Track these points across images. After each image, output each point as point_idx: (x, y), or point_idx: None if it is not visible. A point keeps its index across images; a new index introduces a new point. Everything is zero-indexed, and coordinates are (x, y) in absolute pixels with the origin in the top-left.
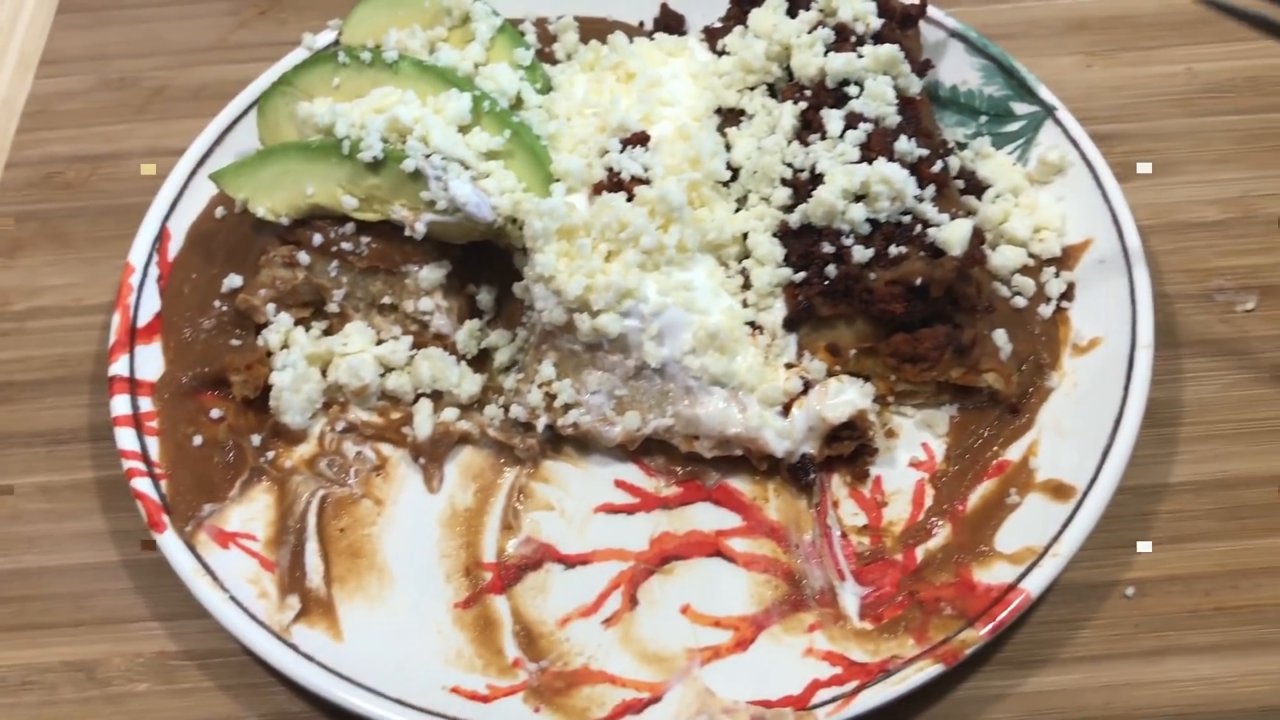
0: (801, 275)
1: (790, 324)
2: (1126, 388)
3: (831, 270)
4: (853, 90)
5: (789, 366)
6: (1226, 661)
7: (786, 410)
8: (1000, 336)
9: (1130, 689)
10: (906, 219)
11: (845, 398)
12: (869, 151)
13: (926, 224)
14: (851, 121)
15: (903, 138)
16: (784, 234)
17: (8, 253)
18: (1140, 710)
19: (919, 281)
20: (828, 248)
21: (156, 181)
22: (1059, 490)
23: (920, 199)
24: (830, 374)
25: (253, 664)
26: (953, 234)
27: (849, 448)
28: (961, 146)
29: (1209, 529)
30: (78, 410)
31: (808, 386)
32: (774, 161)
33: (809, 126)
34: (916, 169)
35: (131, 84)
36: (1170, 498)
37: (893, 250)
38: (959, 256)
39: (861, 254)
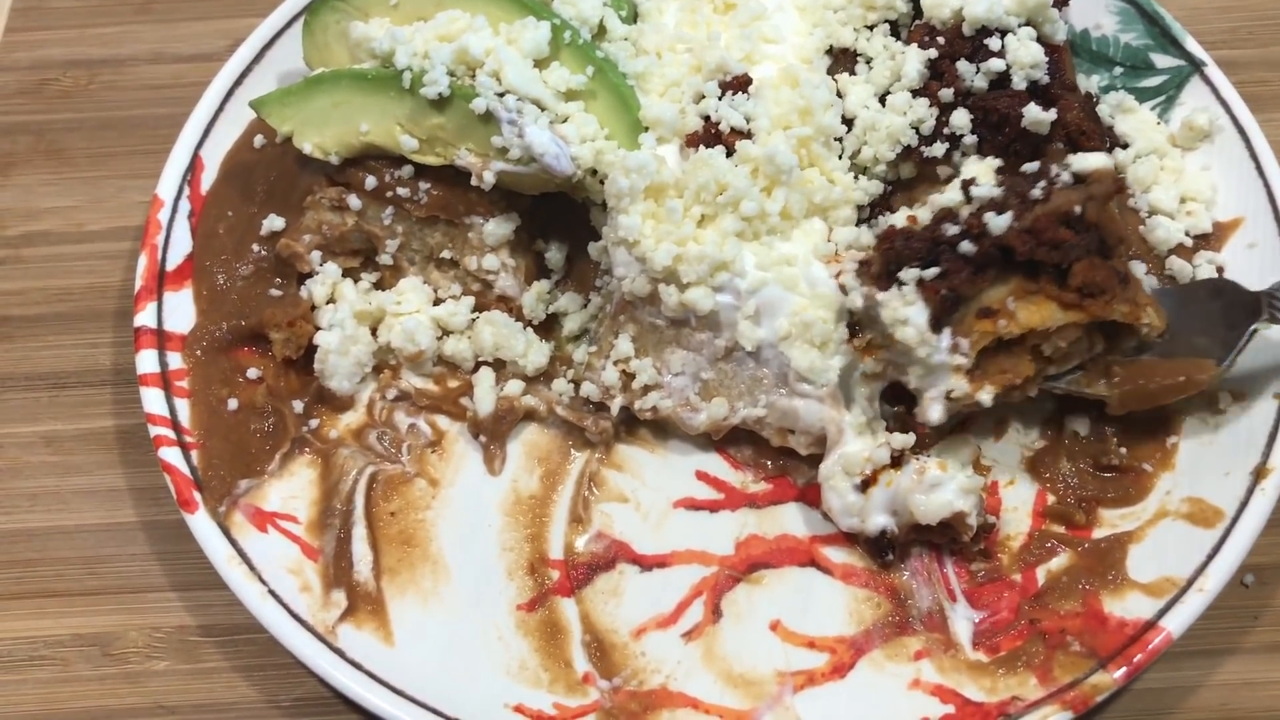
0: (934, 270)
1: (937, 323)
2: None
3: (967, 246)
4: (994, 43)
5: (872, 428)
6: None
7: (866, 485)
8: (1138, 266)
9: (1249, 688)
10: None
11: (942, 497)
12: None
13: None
14: (994, 85)
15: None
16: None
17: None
18: (1260, 712)
19: (1077, 210)
20: (951, 229)
21: (163, 93)
22: (1203, 512)
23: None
24: (985, 348)
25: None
26: (1093, 160)
27: (941, 538)
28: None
29: None
30: (81, 351)
31: (896, 460)
32: (902, 124)
33: (940, 77)
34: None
35: None
36: None
37: (1033, 193)
38: (1110, 168)
39: (997, 223)
